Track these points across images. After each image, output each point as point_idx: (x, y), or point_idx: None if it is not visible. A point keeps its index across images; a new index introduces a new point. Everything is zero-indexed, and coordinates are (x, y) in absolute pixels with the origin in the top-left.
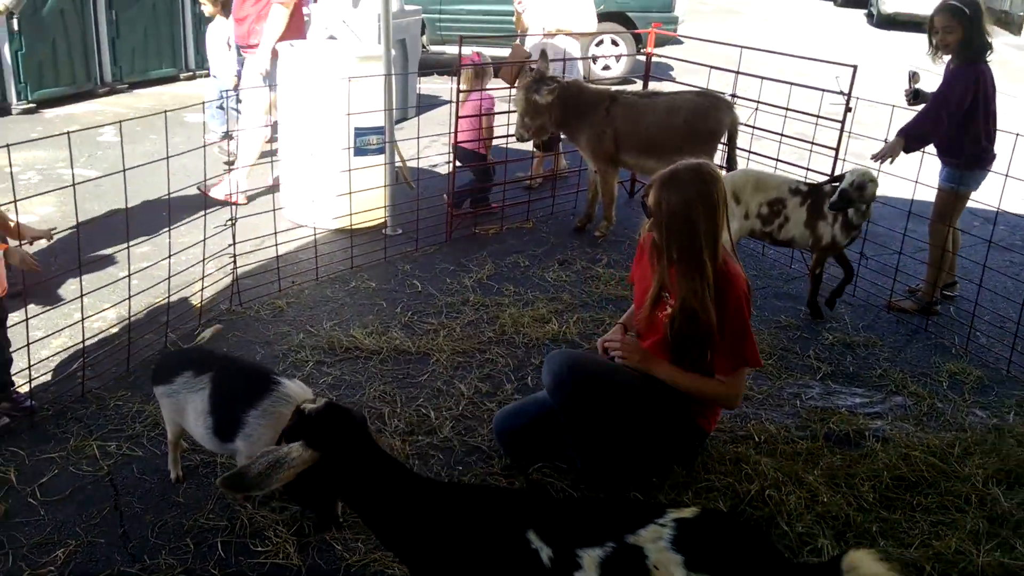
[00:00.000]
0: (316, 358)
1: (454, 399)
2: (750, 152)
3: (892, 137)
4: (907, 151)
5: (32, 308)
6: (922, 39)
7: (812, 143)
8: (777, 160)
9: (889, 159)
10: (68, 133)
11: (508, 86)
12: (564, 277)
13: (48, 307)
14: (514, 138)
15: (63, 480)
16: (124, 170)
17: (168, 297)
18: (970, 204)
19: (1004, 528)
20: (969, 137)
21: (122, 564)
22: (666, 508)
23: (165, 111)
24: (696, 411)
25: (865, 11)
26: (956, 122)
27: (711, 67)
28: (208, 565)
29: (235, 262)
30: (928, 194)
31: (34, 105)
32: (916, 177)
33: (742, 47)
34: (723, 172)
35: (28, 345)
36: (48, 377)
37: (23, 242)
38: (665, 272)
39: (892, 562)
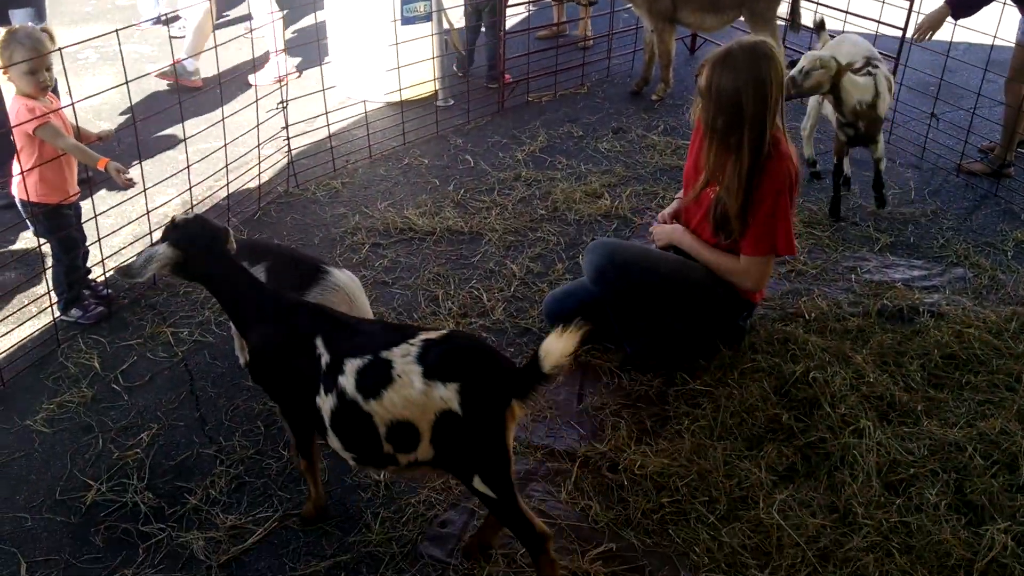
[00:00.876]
0: (372, 240)
1: (506, 280)
2: (818, 4)
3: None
4: (955, 17)
5: (102, 196)
6: None
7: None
8: (847, 12)
9: (929, 33)
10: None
11: None
12: (618, 147)
13: (117, 196)
14: None
15: (142, 366)
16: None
17: (227, 183)
18: None
19: None
20: None
21: (200, 446)
22: (419, 330)
23: None
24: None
25: None
26: None
27: None
28: (278, 446)
29: (289, 144)
30: (1007, 48)
31: None
32: (995, 31)
33: None
34: (786, 25)
35: (100, 239)
36: None
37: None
38: (708, 152)
39: (577, 329)
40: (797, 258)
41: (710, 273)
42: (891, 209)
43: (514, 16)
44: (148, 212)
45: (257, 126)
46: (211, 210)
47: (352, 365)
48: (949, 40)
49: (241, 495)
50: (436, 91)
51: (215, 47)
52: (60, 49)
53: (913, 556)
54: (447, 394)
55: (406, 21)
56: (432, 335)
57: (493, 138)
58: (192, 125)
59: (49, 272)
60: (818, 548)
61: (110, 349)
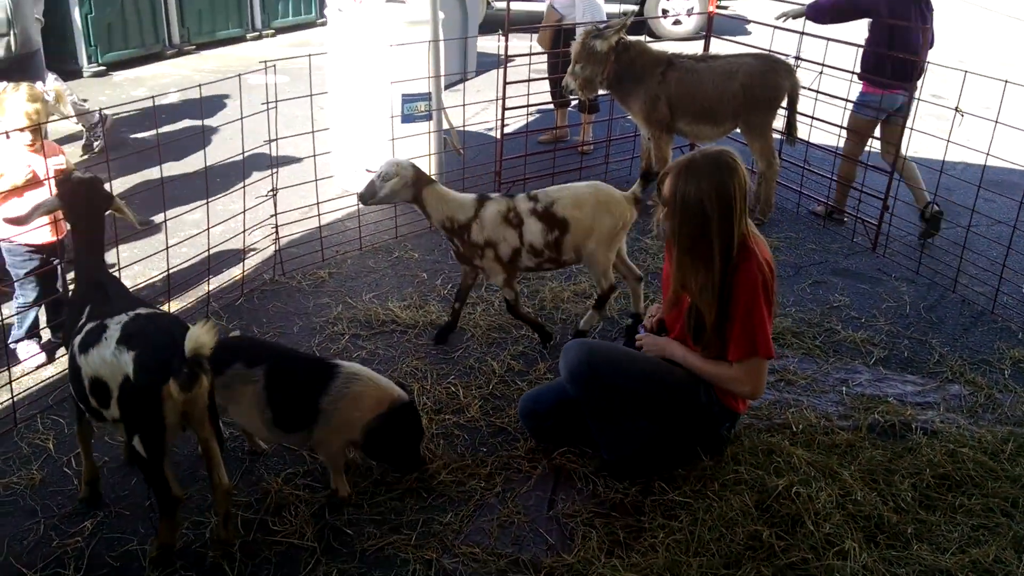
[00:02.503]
0: (352, 331)
1: (485, 377)
2: (813, 119)
3: (963, 104)
4: (810, 20)
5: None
6: None
7: (879, 109)
8: (841, 127)
9: (786, 19)
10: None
11: (544, 51)
12: None
13: None
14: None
15: (97, 450)
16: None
17: (208, 268)
18: None
19: None
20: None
21: (145, 535)
22: (140, 303)
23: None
24: (723, 392)
25: None
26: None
27: (774, 27)
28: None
29: (277, 232)
30: (996, 162)
31: (104, 68)
32: (988, 149)
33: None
34: (783, 139)
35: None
36: None
37: None
38: (674, 262)
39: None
40: (786, 367)
41: (691, 376)
42: (887, 320)
43: (513, 118)
44: None
45: (243, 212)
46: (192, 293)
47: (88, 326)
48: (942, 159)
49: None
50: None
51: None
52: None
53: None
54: (127, 359)
55: (406, 119)
56: (145, 311)
57: None
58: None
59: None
60: None
61: (67, 431)
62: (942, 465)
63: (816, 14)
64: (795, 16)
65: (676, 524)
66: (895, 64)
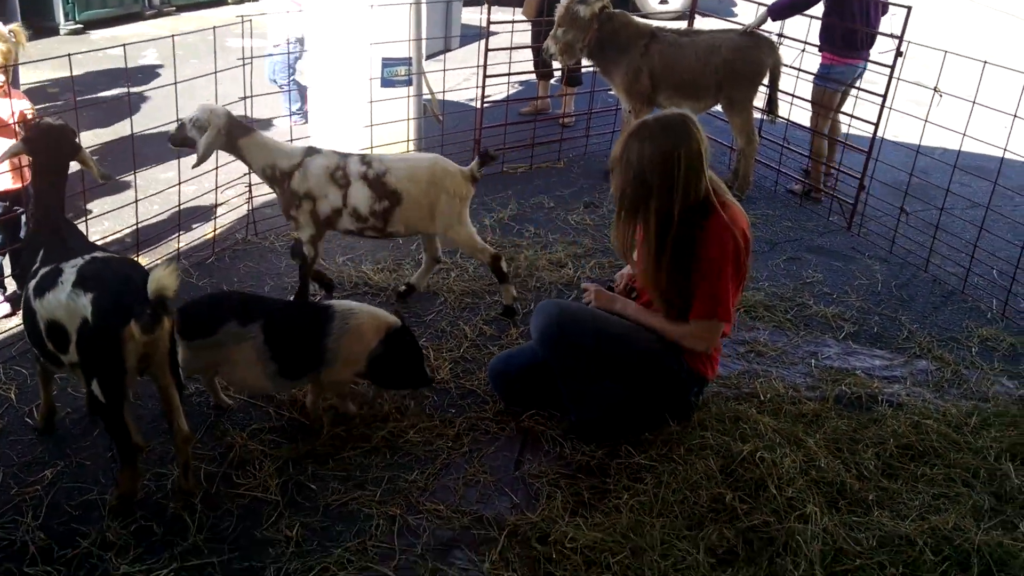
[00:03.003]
0: (323, 293)
1: (456, 340)
2: (794, 96)
3: (940, 84)
4: (774, 20)
5: None
6: None
7: (858, 88)
8: (821, 106)
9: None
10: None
11: (529, 20)
12: (588, 220)
13: None
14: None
15: (59, 401)
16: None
17: (179, 224)
18: (1021, 159)
19: (1010, 505)
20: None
21: (106, 485)
22: (97, 248)
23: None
24: (691, 356)
25: None
26: None
27: (758, 3)
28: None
29: (251, 191)
30: (975, 146)
31: (81, 26)
32: (964, 130)
33: None
34: (763, 117)
35: None
36: None
37: None
38: (617, 222)
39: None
40: (757, 339)
41: (661, 341)
42: (859, 297)
43: (493, 85)
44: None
45: (215, 168)
46: (162, 250)
47: (43, 270)
48: (918, 142)
49: (139, 541)
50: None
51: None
52: None
53: None
54: (84, 302)
55: (386, 83)
56: (102, 254)
57: None
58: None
59: None
60: None
61: (30, 382)
62: (906, 436)
63: (777, 13)
64: (760, 24)
65: (641, 487)
66: (848, 34)
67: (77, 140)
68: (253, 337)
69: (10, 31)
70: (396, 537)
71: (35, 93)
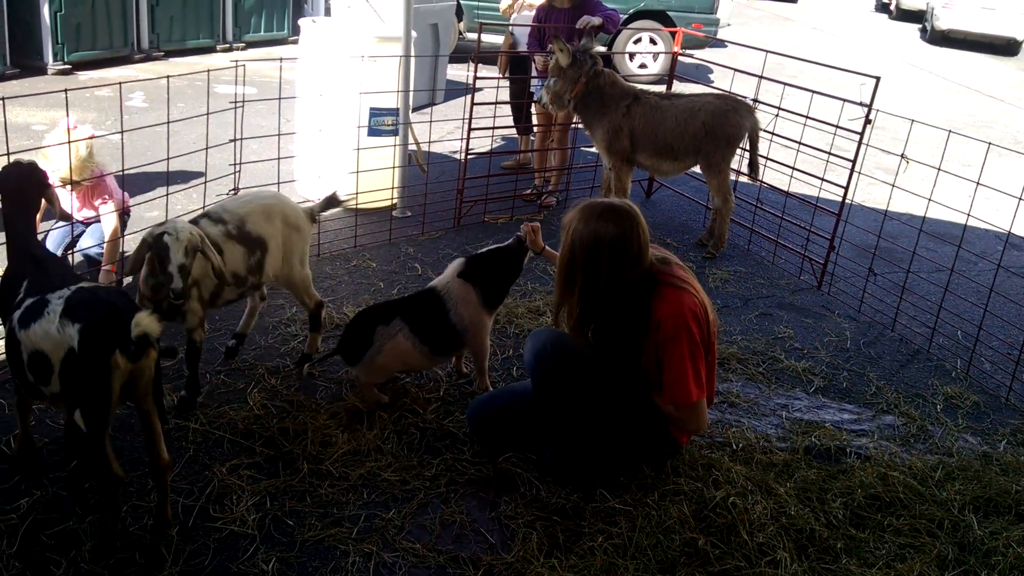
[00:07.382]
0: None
1: (435, 383)
2: (767, 159)
3: (909, 152)
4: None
5: None
6: (973, 59)
7: (829, 153)
8: (793, 169)
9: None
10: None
11: (500, 76)
12: None
13: None
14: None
15: (39, 431)
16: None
17: None
18: (984, 226)
19: (973, 556)
20: None
21: (83, 516)
22: (80, 278)
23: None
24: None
25: (920, 25)
26: None
27: (735, 70)
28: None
29: None
30: (940, 211)
31: (69, 67)
32: (930, 195)
33: (767, 51)
34: (746, 178)
35: None
36: None
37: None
38: (556, 285)
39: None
40: (730, 390)
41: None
42: (828, 353)
43: (477, 138)
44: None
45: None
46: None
47: (27, 301)
48: (886, 207)
49: (115, 573)
50: (394, 202)
51: (168, 123)
52: None
53: None
54: (72, 333)
55: (372, 132)
56: (88, 284)
57: (445, 250)
58: (139, 198)
59: None
60: None
61: (8, 411)
62: (873, 487)
63: None
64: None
65: (615, 530)
66: None
67: (45, 179)
68: (400, 330)
69: (86, 146)
70: (371, 574)
71: (22, 131)
